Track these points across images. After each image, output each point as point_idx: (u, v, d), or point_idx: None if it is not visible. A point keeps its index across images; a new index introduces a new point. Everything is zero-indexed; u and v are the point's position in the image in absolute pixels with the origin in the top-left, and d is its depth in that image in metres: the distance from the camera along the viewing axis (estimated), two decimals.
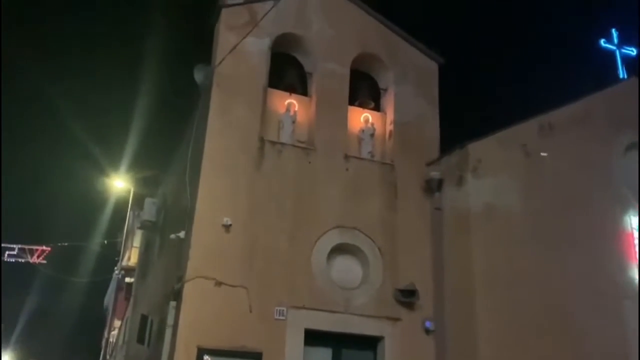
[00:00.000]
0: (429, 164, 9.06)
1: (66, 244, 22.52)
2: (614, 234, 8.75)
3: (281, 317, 7.64)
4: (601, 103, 9.51)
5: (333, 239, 8.30)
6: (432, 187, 8.78)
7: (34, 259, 23.61)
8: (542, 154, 8.55)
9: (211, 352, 7.24)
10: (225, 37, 8.67)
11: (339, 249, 8.35)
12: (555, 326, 7.83)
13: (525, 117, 8.94)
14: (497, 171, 8.45)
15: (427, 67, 9.83)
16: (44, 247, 23.57)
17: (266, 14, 8.48)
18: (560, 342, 7.76)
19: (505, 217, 8.23)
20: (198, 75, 8.97)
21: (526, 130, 8.80)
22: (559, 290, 8.07)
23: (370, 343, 8.14)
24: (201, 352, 7.20)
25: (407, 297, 8.24)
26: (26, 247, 23.57)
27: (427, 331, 8.21)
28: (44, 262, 23.84)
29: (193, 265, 7.51)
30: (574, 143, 8.95)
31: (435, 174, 8.80)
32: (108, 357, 19.44)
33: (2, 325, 28.57)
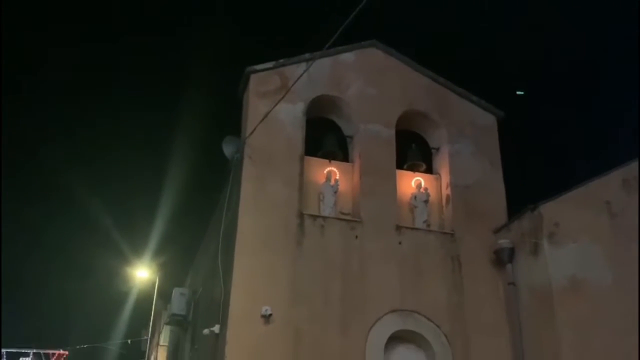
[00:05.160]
0: (496, 231, 8.88)
1: (85, 346, 22.59)
2: None
3: None
4: None
5: (390, 325, 8.08)
6: (503, 258, 8.52)
7: None
8: None
9: None
10: (255, 105, 8.90)
11: (397, 338, 8.11)
12: None
13: (604, 171, 8.65)
14: (579, 236, 8.12)
15: (485, 121, 9.85)
16: (61, 351, 23.71)
17: (299, 77, 8.68)
18: None
19: (594, 292, 7.88)
20: (227, 148, 9.20)
21: (607, 186, 8.49)
22: None
23: None
24: None
25: None
26: (42, 351, 23.78)
27: None
28: None
29: None
30: None
31: (504, 242, 8.55)
32: None
33: None
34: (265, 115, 8.62)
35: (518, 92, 9.09)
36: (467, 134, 9.65)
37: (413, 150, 9.68)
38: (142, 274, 19.05)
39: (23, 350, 23.72)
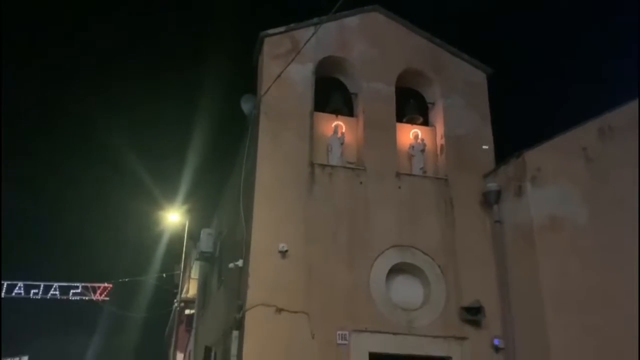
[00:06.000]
0: (485, 176, 9.15)
1: (127, 279, 23.68)
2: None
3: (344, 342, 7.86)
4: None
5: (390, 259, 8.50)
6: (490, 200, 8.84)
7: (96, 297, 25.05)
8: None
9: None
10: (269, 66, 9.12)
11: (397, 269, 8.54)
12: (635, 346, 7.57)
13: (583, 120, 8.84)
14: (558, 179, 8.40)
15: (475, 78, 10.02)
16: (106, 284, 24.98)
17: (308, 40, 8.92)
18: None
19: (571, 228, 8.17)
20: (245, 106, 9.53)
21: (584, 134, 8.67)
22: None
23: None
24: None
25: (473, 314, 8.36)
26: (89, 284, 25.09)
27: (496, 349, 8.24)
28: (107, 299, 25.25)
29: (253, 293, 7.86)
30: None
31: (492, 185, 8.85)
32: None
33: None
34: (278, 76, 8.88)
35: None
36: (460, 89, 9.82)
37: (411, 105, 9.90)
38: (174, 217, 19.75)
39: (73, 284, 25.09)
